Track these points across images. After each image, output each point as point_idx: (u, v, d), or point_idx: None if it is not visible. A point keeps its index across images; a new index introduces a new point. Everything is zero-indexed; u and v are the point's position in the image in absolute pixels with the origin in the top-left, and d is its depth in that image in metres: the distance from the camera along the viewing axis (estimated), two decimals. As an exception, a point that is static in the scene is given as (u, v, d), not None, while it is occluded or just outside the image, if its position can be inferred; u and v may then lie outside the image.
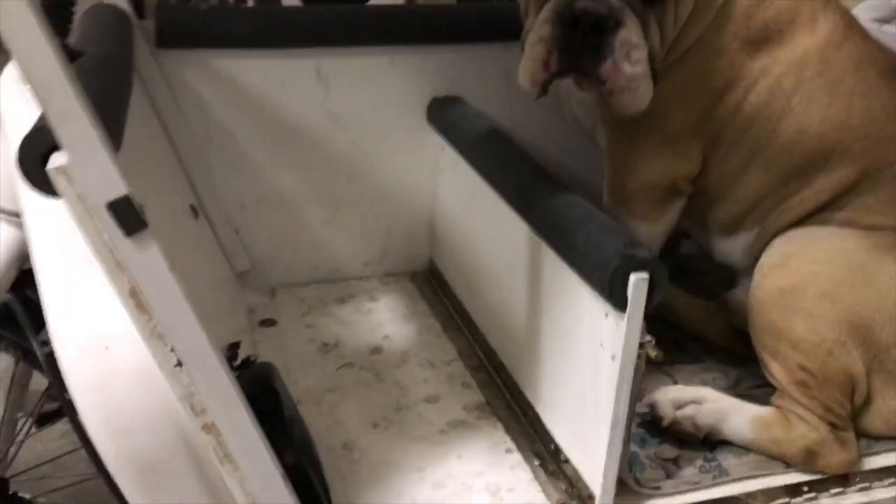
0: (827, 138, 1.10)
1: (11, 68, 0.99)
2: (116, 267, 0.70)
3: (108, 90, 0.88)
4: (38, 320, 0.98)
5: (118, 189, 0.68)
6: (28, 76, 0.63)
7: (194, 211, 1.31)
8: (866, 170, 1.10)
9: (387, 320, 1.44)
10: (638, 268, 0.89)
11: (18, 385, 1.19)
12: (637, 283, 0.89)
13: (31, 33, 0.62)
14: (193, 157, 1.38)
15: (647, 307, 0.91)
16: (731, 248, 1.24)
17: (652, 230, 1.21)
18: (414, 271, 1.60)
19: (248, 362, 1.13)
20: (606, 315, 0.94)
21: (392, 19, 1.44)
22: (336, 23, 1.40)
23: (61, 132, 0.65)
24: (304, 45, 1.39)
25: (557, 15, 0.98)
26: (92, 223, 0.68)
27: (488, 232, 1.31)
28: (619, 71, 0.98)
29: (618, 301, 0.91)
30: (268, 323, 1.41)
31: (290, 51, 1.39)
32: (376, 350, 1.35)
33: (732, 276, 1.30)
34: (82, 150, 0.66)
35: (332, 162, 1.48)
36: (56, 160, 0.67)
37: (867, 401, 1.11)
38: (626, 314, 0.90)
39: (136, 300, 0.71)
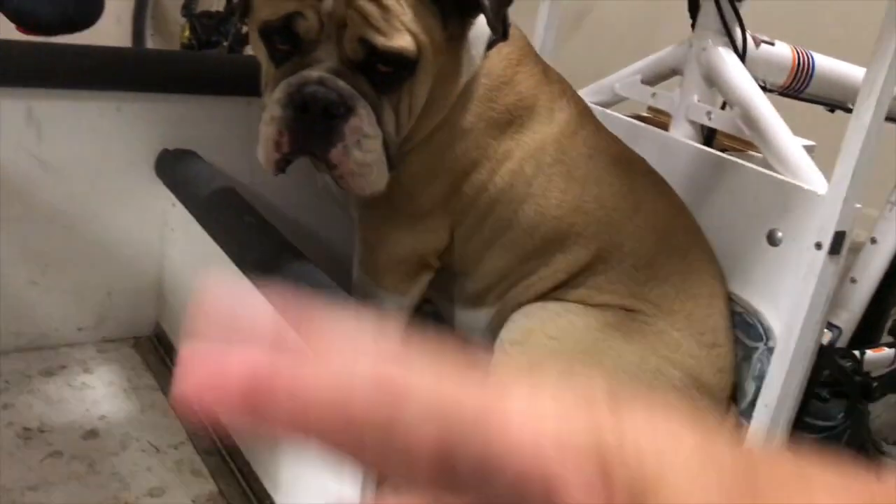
0: (563, 221, 1.14)
1: None
2: None
3: None
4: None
5: None
6: None
7: None
8: (598, 252, 1.16)
9: (104, 397, 1.28)
10: (387, 362, 0.86)
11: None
12: (385, 377, 0.85)
13: None
14: None
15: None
16: (473, 320, 1.25)
17: (401, 302, 1.19)
18: (137, 336, 1.45)
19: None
20: (352, 409, 0.89)
21: (120, 63, 1.31)
22: (54, 61, 1.24)
23: None
24: (13, 84, 1.22)
25: (288, 97, 0.95)
26: None
27: (224, 303, 1.21)
28: (350, 157, 0.97)
29: (365, 396, 0.86)
30: (-46, 404, 1.20)
31: (-5, 88, 1.21)
32: (91, 434, 1.19)
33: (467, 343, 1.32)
34: None
35: (43, 215, 1.31)
36: None
37: (596, 475, 1.16)
38: (374, 410, 0.86)
39: None
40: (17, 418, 1.19)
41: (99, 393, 1.28)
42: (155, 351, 1.42)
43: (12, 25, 2.17)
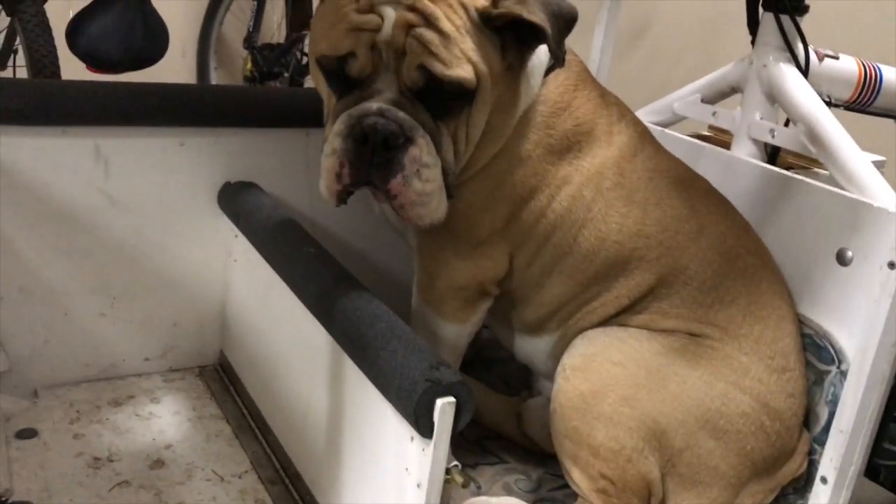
0: (625, 246, 1.13)
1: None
2: None
3: None
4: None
5: None
6: None
7: (-62, 311, 1.13)
8: (661, 275, 1.13)
9: (170, 426, 1.30)
10: (444, 392, 0.85)
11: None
12: (443, 408, 0.85)
13: None
14: (-59, 245, 1.20)
15: (453, 431, 0.87)
16: (533, 348, 1.24)
17: (460, 330, 1.19)
18: (202, 365, 1.47)
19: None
20: (412, 439, 0.89)
21: (183, 99, 1.34)
22: (119, 100, 1.28)
23: None
24: (82, 123, 1.26)
25: (349, 129, 0.96)
26: None
27: (285, 333, 1.23)
28: (409, 187, 0.97)
29: (424, 427, 0.86)
30: (26, 434, 1.23)
31: (66, 129, 1.25)
32: (157, 463, 1.21)
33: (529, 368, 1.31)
34: None
35: (111, 249, 1.34)
36: None
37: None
38: (433, 440, 0.86)
39: None
40: (87, 448, 1.22)
41: (165, 422, 1.31)
42: (219, 380, 1.44)
43: (81, 65, 2.25)
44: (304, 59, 3.37)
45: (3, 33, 2.56)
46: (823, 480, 1.20)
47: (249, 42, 3.51)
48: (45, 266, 1.30)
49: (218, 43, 3.68)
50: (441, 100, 0.97)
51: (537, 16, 0.95)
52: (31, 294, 1.30)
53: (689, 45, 2.85)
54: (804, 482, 1.23)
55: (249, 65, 3.50)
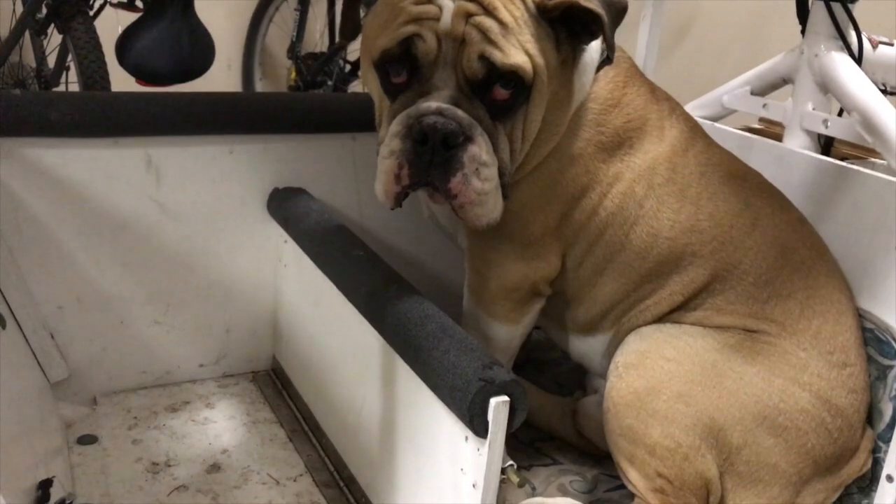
0: (677, 242, 1.11)
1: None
2: None
3: None
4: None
5: None
6: None
7: (1, 321, 1.15)
8: (715, 271, 1.12)
9: (225, 430, 1.32)
10: (498, 392, 0.85)
11: None
12: (497, 407, 0.84)
13: None
14: (2, 257, 1.22)
15: (508, 430, 0.86)
16: (588, 348, 1.23)
17: (512, 331, 1.18)
18: (255, 371, 1.49)
19: (62, 505, 0.99)
20: (466, 439, 0.88)
21: (231, 107, 1.36)
22: (169, 110, 1.30)
23: None
24: (133, 134, 1.28)
25: (407, 129, 0.95)
26: None
27: (337, 336, 1.23)
28: (469, 186, 0.96)
29: (478, 426, 0.86)
30: (87, 440, 1.25)
31: (118, 139, 1.28)
32: (214, 468, 1.22)
33: (582, 368, 1.30)
34: None
35: (164, 257, 1.36)
36: None
37: (719, 502, 1.11)
38: (488, 440, 0.85)
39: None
40: (146, 453, 1.24)
41: (221, 427, 1.32)
42: (272, 384, 1.46)
43: (131, 79, 2.29)
44: (347, 68, 3.40)
45: (56, 51, 2.62)
46: (889, 479, 1.17)
47: (293, 52, 3.55)
48: (101, 275, 1.32)
49: (262, 54, 3.73)
50: (499, 98, 0.97)
51: (593, 2, 0.95)
52: (89, 303, 1.33)
53: (736, 39, 2.81)
54: (869, 481, 1.19)
55: (294, 74, 3.54)
